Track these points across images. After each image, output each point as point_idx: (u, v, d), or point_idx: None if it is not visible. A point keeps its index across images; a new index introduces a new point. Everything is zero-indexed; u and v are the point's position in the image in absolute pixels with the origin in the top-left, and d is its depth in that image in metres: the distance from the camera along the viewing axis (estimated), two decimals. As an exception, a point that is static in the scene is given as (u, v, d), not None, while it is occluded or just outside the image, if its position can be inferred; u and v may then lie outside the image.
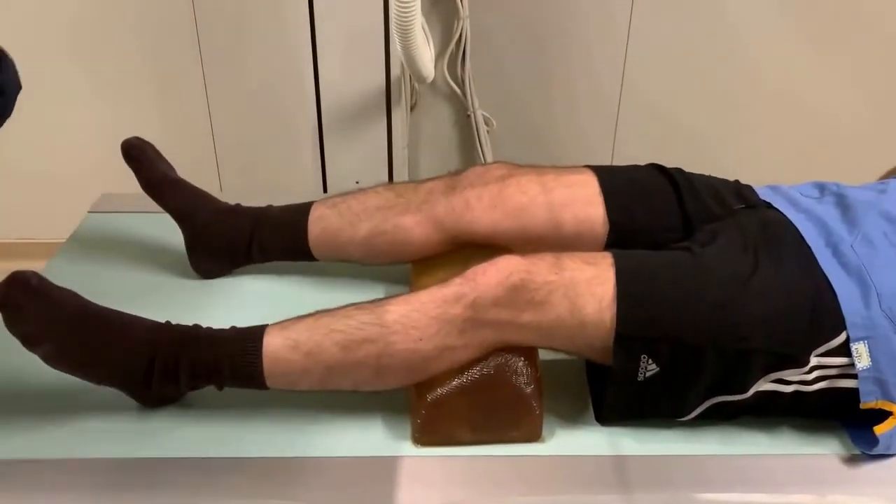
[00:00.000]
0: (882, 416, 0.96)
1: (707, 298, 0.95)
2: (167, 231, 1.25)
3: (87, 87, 1.96)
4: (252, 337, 0.97)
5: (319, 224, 1.19)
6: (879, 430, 0.95)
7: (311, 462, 0.97)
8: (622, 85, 1.97)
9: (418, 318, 0.96)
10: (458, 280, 0.97)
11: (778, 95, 1.97)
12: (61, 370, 0.98)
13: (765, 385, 0.96)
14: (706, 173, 1.19)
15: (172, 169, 1.25)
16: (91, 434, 1.00)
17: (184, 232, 1.22)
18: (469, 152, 2.05)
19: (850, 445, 1.00)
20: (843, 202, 1.09)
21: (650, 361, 0.95)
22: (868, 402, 0.95)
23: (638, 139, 2.03)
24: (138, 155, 1.21)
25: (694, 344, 0.94)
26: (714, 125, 2.01)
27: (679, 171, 1.17)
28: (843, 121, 2.00)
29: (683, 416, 1.00)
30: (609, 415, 1.02)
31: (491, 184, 1.13)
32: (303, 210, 1.20)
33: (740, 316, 0.95)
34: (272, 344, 0.97)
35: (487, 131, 2.00)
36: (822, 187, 1.14)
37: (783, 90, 1.97)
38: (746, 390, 0.96)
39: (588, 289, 0.95)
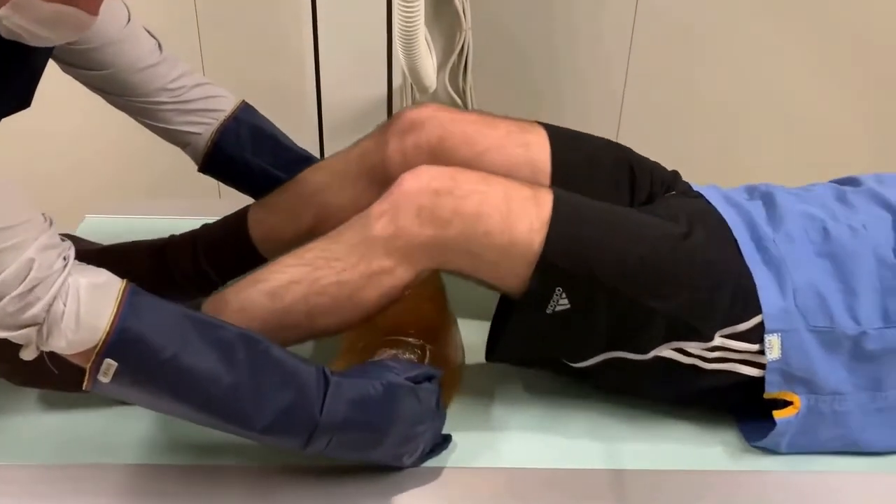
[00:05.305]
0: (780, 406, 0.98)
1: (636, 250, 0.96)
2: (165, 235, 1.23)
3: (83, 90, 1.95)
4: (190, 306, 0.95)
5: (260, 228, 1.14)
6: (779, 414, 0.97)
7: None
8: (623, 98, 1.97)
9: (338, 248, 0.94)
10: (377, 201, 0.95)
11: (777, 98, 1.98)
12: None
13: (665, 351, 0.97)
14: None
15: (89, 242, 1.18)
16: (90, 440, 1.00)
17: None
18: (469, 163, 2.05)
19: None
20: (769, 200, 1.09)
21: (563, 295, 0.93)
22: (772, 391, 0.97)
23: (639, 151, 2.03)
24: None
25: (610, 289, 0.93)
26: (714, 136, 2.01)
27: (631, 151, 1.17)
28: (837, 122, 2.00)
29: (578, 363, 0.99)
30: (506, 345, 1.00)
31: (429, 128, 1.07)
32: (240, 218, 1.15)
33: (663, 275, 0.95)
34: (206, 310, 0.94)
35: (487, 143, 2.00)
36: (752, 190, 1.15)
37: (781, 91, 1.98)
38: (647, 351, 0.97)
39: (523, 205, 0.93)
